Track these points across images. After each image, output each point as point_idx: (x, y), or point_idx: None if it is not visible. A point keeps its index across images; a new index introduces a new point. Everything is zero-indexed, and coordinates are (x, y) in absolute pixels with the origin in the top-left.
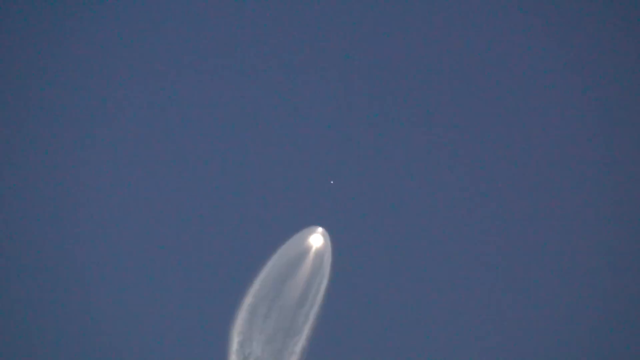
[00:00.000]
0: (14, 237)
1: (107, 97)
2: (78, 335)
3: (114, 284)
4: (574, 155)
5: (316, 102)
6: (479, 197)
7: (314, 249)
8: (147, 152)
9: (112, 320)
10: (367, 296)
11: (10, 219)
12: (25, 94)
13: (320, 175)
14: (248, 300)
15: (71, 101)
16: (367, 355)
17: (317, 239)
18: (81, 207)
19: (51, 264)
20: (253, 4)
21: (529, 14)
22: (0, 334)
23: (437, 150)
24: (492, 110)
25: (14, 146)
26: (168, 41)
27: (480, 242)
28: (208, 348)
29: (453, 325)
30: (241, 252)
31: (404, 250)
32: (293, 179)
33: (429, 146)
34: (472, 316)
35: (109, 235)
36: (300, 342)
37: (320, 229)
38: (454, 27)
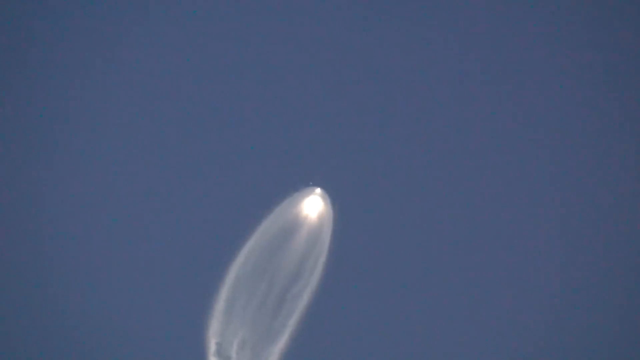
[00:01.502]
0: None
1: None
2: (46, 322)
3: (77, 258)
4: (575, 154)
5: (317, 56)
6: (490, 162)
7: (309, 217)
8: (131, 109)
9: (78, 306)
10: (372, 282)
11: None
12: (25, 94)
13: (320, 130)
14: (224, 294)
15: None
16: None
17: (314, 202)
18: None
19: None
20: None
21: (528, 15)
22: None
23: (449, 109)
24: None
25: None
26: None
27: (492, 208)
28: (186, 334)
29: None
30: (224, 222)
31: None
32: (285, 132)
33: (439, 103)
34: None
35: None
36: (280, 343)
37: (318, 190)
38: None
